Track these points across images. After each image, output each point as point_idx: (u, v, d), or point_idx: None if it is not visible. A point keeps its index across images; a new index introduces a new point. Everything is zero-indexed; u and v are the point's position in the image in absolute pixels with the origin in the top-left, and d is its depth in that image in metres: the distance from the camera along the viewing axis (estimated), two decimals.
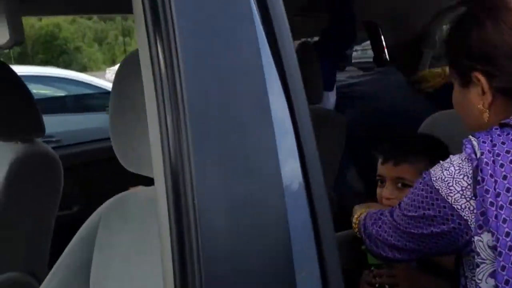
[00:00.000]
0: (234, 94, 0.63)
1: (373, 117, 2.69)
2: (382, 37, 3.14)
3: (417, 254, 1.06)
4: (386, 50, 3.15)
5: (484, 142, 0.92)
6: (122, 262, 0.98)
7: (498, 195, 0.88)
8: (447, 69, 2.90)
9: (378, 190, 1.43)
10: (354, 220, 1.30)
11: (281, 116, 0.64)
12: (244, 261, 0.60)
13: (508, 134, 0.93)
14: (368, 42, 3.47)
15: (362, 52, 6.99)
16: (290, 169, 0.63)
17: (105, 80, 5.94)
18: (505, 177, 0.88)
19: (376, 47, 3.21)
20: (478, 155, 0.91)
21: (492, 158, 0.90)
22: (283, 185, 0.62)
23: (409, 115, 2.51)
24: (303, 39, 3.07)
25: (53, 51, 26.10)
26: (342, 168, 2.38)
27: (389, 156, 1.40)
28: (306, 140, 0.65)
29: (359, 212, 1.30)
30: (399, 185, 1.37)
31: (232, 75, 0.63)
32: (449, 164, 0.96)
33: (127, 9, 0.73)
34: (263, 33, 0.65)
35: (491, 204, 0.88)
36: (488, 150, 0.91)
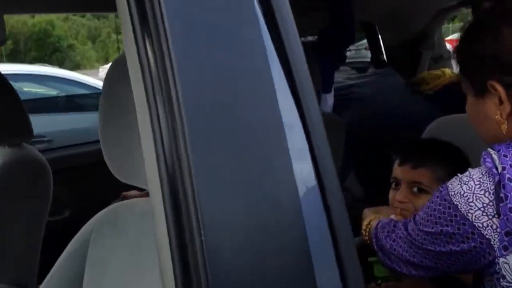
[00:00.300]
0: (238, 95, 0.58)
1: (372, 120, 2.65)
2: (380, 38, 3.10)
3: (434, 272, 1.00)
4: (384, 51, 3.11)
5: (505, 155, 0.86)
6: (115, 277, 0.93)
7: None
8: (446, 70, 2.88)
9: (391, 193, 1.36)
10: (363, 227, 1.25)
11: (290, 117, 0.60)
12: (259, 269, 0.55)
13: None
14: (362, 42, 3.44)
15: (356, 52, 7.00)
16: (303, 171, 0.59)
17: (98, 78, 5.88)
18: None
19: (374, 48, 3.17)
20: (500, 169, 0.85)
21: None
22: (297, 186, 0.58)
23: (408, 117, 2.47)
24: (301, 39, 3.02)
25: (46, 49, 26.00)
26: (341, 172, 2.33)
27: (408, 158, 1.34)
28: (317, 141, 0.60)
29: (369, 219, 1.25)
30: (415, 189, 1.31)
31: (236, 76, 0.58)
32: (468, 178, 0.90)
33: (112, 7, 0.67)
34: (266, 30, 0.60)
35: None
36: (510, 165, 0.85)
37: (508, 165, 0.85)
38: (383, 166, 1.46)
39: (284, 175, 0.57)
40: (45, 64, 9.63)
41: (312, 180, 0.59)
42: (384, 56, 3.12)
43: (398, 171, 1.35)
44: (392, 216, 1.29)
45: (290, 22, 0.61)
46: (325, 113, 2.40)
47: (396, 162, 1.37)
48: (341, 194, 0.61)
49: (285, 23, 0.61)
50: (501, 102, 0.92)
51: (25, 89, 4.54)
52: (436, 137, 1.48)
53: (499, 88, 0.91)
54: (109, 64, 0.88)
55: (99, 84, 4.75)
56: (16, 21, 22.60)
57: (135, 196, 1.64)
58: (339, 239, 0.60)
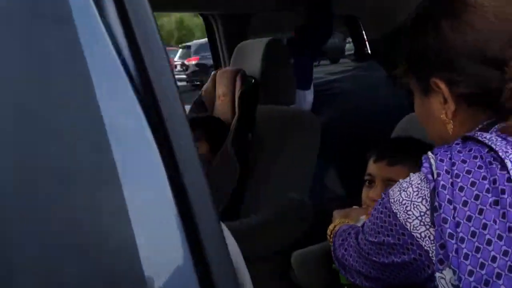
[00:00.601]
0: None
1: (355, 115, 2.59)
2: (363, 31, 3.04)
3: (382, 283, 0.93)
4: (367, 44, 3.05)
5: (442, 160, 0.78)
6: None
7: (458, 225, 0.73)
8: None
9: (365, 191, 1.31)
10: (328, 232, 1.20)
11: (132, 132, 0.46)
12: None
13: (470, 150, 0.78)
14: None
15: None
16: (155, 216, 0.45)
17: None
18: (465, 203, 0.74)
19: (357, 42, 3.11)
20: (435, 175, 0.78)
21: (450, 180, 0.76)
22: (137, 244, 0.42)
23: (390, 112, 2.41)
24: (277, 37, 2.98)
25: None
26: (320, 170, 2.29)
27: (384, 155, 1.28)
28: (184, 165, 0.46)
29: (333, 224, 1.20)
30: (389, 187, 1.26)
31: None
32: (408, 185, 0.82)
33: None
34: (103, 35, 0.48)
35: (450, 236, 0.73)
36: (446, 170, 0.77)
37: (444, 171, 0.77)
38: (364, 162, 1.42)
39: (121, 241, 0.42)
40: None
41: (173, 231, 0.45)
42: (368, 49, 3.06)
43: (373, 167, 1.30)
44: (363, 217, 1.25)
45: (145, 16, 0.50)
46: (300, 111, 2.36)
47: (372, 159, 1.32)
48: (223, 241, 0.47)
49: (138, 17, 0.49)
50: (445, 100, 0.85)
51: None
52: (407, 133, 1.43)
53: (442, 85, 0.84)
54: None
55: None
56: None
57: None
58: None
